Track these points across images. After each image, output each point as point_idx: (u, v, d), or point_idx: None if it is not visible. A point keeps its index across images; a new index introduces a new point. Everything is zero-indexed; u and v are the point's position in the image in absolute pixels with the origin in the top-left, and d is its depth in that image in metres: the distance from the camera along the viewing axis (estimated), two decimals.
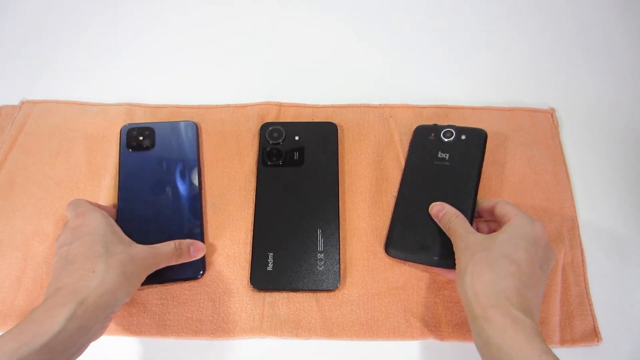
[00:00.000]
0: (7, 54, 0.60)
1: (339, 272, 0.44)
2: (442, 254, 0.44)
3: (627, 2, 0.63)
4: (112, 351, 0.43)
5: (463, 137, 0.49)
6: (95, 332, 0.35)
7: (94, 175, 0.50)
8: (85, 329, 0.33)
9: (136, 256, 0.38)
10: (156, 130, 0.50)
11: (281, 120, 0.53)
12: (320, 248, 0.45)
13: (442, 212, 0.43)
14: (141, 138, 0.50)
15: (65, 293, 0.33)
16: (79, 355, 0.34)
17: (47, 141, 0.52)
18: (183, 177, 0.48)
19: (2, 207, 0.49)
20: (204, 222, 0.48)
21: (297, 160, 0.49)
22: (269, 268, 0.44)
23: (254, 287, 0.44)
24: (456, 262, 0.38)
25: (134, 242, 0.40)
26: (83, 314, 0.33)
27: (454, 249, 0.40)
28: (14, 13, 0.64)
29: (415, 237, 0.45)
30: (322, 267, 0.44)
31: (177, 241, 0.42)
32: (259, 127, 0.52)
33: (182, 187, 0.48)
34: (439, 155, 0.48)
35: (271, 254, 0.45)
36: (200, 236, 0.46)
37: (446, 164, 0.48)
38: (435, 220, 0.43)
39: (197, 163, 0.50)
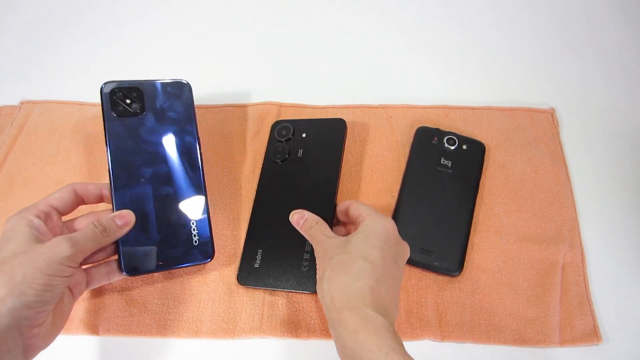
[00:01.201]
0: (7, 54, 0.60)
1: None
2: (443, 259, 0.44)
3: (627, 2, 0.63)
4: (112, 351, 0.43)
5: (464, 146, 0.49)
6: (10, 346, 0.32)
7: (94, 176, 0.50)
8: None
9: (35, 254, 0.34)
10: (145, 91, 0.43)
11: (291, 118, 0.52)
12: (307, 248, 0.44)
13: (303, 219, 0.42)
14: (128, 101, 0.42)
15: None
16: None
17: (47, 141, 0.52)
18: (181, 146, 0.43)
19: (2, 207, 0.49)
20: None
21: (300, 158, 0.48)
22: (256, 265, 0.44)
23: (239, 283, 0.44)
24: (317, 268, 0.38)
25: (47, 240, 0.35)
26: None
27: (315, 256, 0.39)
28: (14, 13, 0.64)
29: (416, 240, 0.45)
30: (306, 268, 0.43)
31: (95, 220, 0.38)
32: (259, 126, 0.53)
33: (181, 157, 0.43)
34: (442, 162, 0.49)
35: (261, 250, 0.45)
36: (207, 213, 0.42)
37: (449, 171, 0.48)
38: (297, 228, 0.42)
39: (195, 127, 0.44)
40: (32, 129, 0.53)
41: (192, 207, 0.42)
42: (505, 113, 0.54)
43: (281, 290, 0.44)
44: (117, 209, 0.40)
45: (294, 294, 0.44)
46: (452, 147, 0.49)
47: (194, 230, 0.42)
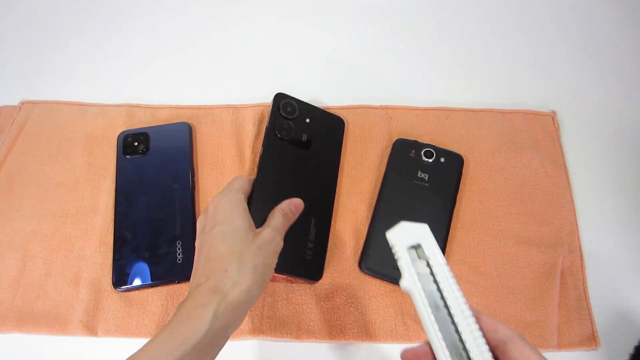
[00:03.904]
0: (7, 54, 0.60)
1: (324, 265, 0.44)
2: None
3: (629, 5, 0.63)
4: (112, 352, 0.43)
5: (442, 159, 0.49)
6: (233, 328, 0.35)
7: (94, 176, 0.50)
8: (225, 328, 0.33)
9: (264, 246, 0.36)
10: (151, 135, 0.51)
11: (295, 97, 0.50)
12: (312, 238, 0.44)
13: None
14: (136, 144, 0.50)
15: (205, 293, 0.34)
16: (219, 351, 0.34)
17: (47, 142, 0.52)
18: (175, 178, 0.49)
19: (1, 208, 0.49)
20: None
21: (305, 142, 0.48)
22: None
23: None
24: None
25: (258, 228, 0.38)
26: (223, 314, 0.33)
27: None
28: (14, 13, 0.64)
29: (390, 256, 0.44)
30: (310, 256, 0.44)
31: (278, 208, 0.40)
32: (259, 128, 0.53)
33: (174, 189, 0.48)
34: (419, 175, 0.48)
35: None
36: (193, 235, 0.46)
37: (425, 184, 0.48)
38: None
39: (190, 163, 0.50)
40: (32, 129, 0.53)
41: (180, 230, 0.46)
42: (506, 116, 0.54)
43: (281, 275, 0.43)
44: (117, 230, 0.47)
45: (293, 295, 0.44)
46: (430, 160, 0.49)
47: (179, 249, 0.45)
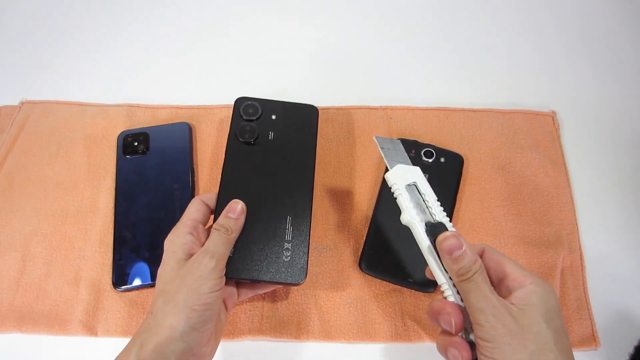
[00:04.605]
0: (7, 54, 0.60)
1: (307, 265, 0.40)
2: (417, 276, 0.44)
3: (630, 4, 0.63)
4: (112, 352, 0.43)
5: (442, 159, 0.49)
6: None
7: (94, 176, 0.50)
8: None
9: (187, 274, 0.34)
10: (150, 135, 0.51)
11: (259, 97, 0.47)
12: (289, 237, 0.40)
13: (459, 252, 0.32)
14: (136, 144, 0.50)
15: (132, 338, 0.34)
16: None
17: (47, 142, 0.52)
18: (175, 178, 0.49)
19: (1, 208, 0.49)
20: None
21: (271, 140, 0.44)
22: (230, 254, 0.39)
23: None
24: (488, 344, 0.30)
25: (191, 258, 0.36)
26: (144, 355, 0.32)
27: (477, 320, 0.30)
28: (14, 13, 0.64)
29: (390, 256, 0.44)
30: (289, 258, 0.40)
31: (214, 225, 0.38)
32: None
33: (174, 189, 0.48)
34: None
35: None
36: None
37: None
38: (444, 256, 0.33)
39: (190, 163, 0.50)
40: (32, 129, 0.53)
41: None
42: (505, 116, 0.54)
43: (264, 282, 0.40)
44: (117, 230, 0.47)
45: (293, 294, 0.44)
46: (430, 160, 0.48)
47: None
